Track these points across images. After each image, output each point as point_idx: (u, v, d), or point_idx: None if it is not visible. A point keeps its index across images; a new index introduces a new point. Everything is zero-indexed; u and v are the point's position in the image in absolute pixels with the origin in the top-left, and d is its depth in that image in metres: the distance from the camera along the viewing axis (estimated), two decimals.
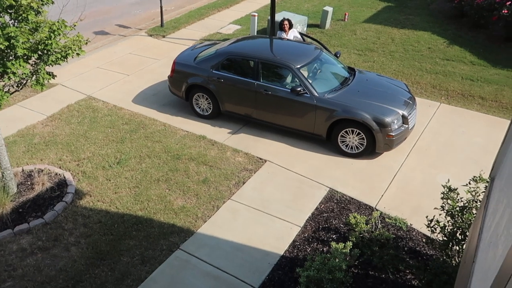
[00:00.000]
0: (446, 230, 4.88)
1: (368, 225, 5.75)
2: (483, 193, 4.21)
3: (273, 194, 6.76)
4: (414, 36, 12.52)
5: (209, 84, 8.43)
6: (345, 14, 13.86)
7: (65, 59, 6.50)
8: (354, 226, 5.68)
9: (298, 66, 7.81)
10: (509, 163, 2.96)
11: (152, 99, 9.55)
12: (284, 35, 10.00)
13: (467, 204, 4.82)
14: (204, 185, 6.96)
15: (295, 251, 5.78)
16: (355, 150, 7.55)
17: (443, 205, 4.96)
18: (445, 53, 11.43)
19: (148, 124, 8.62)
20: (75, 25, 6.56)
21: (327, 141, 7.77)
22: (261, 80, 8.02)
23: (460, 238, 4.80)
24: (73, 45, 6.50)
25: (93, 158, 7.59)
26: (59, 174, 7.14)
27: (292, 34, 10.02)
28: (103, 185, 6.98)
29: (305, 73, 7.90)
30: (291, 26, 10.10)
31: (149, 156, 7.65)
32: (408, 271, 5.37)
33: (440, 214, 5.14)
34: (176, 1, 16.35)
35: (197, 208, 6.51)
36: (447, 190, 4.99)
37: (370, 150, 7.46)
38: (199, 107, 8.83)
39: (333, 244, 5.15)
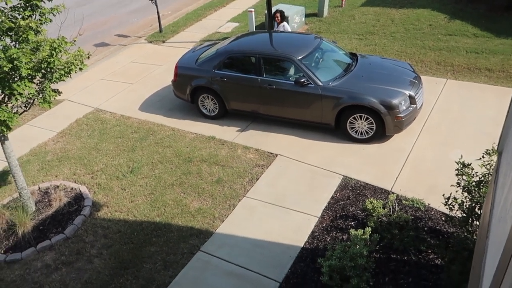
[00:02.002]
0: (464, 206, 4.82)
1: (386, 209, 5.71)
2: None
3: (287, 187, 6.76)
4: (414, 15, 12.35)
5: (213, 84, 8.43)
6: None
7: (69, 75, 6.55)
8: (371, 211, 5.65)
9: (300, 57, 7.77)
10: None
11: (158, 105, 9.58)
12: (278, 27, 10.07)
13: (482, 178, 4.75)
14: (218, 185, 6.97)
15: (315, 241, 5.77)
16: (365, 136, 7.50)
17: (459, 181, 4.90)
18: (447, 29, 11.26)
19: (157, 130, 8.65)
20: (75, 40, 6.60)
21: (336, 129, 7.73)
22: (264, 75, 7.99)
23: (479, 213, 4.74)
24: (75, 60, 6.54)
25: (106, 169, 7.66)
26: (75, 189, 7.23)
27: (281, 28, 10.02)
28: (119, 195, 7.04)
29: (308, 64, 7.85)
30: (283, 18, 10.08)
31: (161, 162, 7.69)
32: (430, 251, 5.33)
33: (456, 191, 5.07)
34: (173, 5, 16.36)
35: (213, 208, 6.53)
36: (461, 166, 4.92)
37: (380, 134, 7.40)
38: (206, 108, 8.84)
39: (352, 231, 5.14)
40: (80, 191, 7.16)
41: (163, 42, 13.05)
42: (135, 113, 9.37)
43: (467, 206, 4.79)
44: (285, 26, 10.13)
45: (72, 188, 7.24)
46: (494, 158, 4.89)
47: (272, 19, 10.08)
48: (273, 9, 11.67)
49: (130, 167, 7.65)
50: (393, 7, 13.11)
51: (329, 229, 5.92)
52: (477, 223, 4.79)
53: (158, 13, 13.34)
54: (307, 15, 13.07)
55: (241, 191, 6.81)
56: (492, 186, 3.43)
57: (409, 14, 12.46)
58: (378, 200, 5.77)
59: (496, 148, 4.81)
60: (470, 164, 4.95)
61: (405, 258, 5.28)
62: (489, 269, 2.51)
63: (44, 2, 6.22)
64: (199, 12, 15.08)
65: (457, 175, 4.93)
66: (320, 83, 7.56)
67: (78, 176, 7.59)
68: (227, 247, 5.85)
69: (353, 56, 8.48)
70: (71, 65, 6.47)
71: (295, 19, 12.22)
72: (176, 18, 14.86)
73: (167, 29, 13.79)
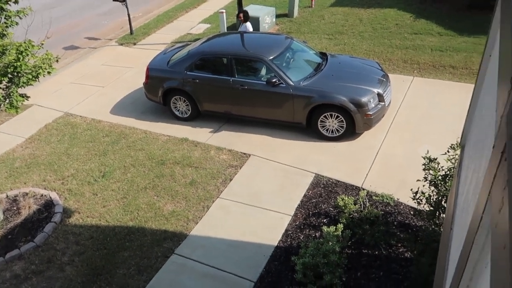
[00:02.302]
0: (431, 200, 4.92)
1: (357, 205, 5.77)
2: None
3: (261, 187, 6.74)
4: (381, 14, 12.56)
5: (185, 86, 8.33)
6: (312, 0, 13.81)
7: (37, 79, 6.35)
8: (343, 208, 5.70)
9: (271, 58, 7.76)
10: (475, 129, 2.97)
11: (130, 108, 9.40)
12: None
13: (448, 172, 4.86)
14: (191, 187, 6.89)
15: (288, 240, 5.77)
16: (336, 134, 7.56)
17: (426, 176, 5.00)
18: (413, 27, 11.50)
19: (129, 134, 8.48)
20: (42, 44, 6.39)
21: (307, 128, 7.76)
22: (236, 76, 7.95)
23: (445, 206, 4.84)
24: (43, 64, 6.34)
25: (78, 175, 7.45)
26: (45, 195, 6.99)
27: (243, 28, 10.02)
28: (91, 200, 6.86)
29: (279, 64, 7.84)
30: (246, 18, 10.08)
31: (133, 166, 7.54)
32: (400, 245, 5.41)
33: (424, 185, 5.18)
34: (143, 7, 16.09)
35: (187, 210, 6.45)
36: (428, 161, 5.02)
37: (350, 132, 7.47)
38: (178, 110, 8.73)
39: (325, 228, 5.17)
40: (51, 197, 6.93)
41: (134, 44, 12.82)
42: (106, 117, 9.16)
43: (434, 199, 4.89)
44: (247, 26, 10.16)
45: (42, 195, 7.00)
46: (459, 152, 5.01)
47: (236, 18, 10.12)
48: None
49: (102, 172, 7.47)
50: (361, 7, 13.29)
51: (302, 227, 5.94)
52: (444, 215, 4.89)
53: (128, 15, 13.09)
54: (278, 16, 13.10)
55: (214, 192, 6.74)
56: (456, 179, 3.50)
57: (376, 14, 12.66)
58: (349, 197, 5.82)
59: (459, 142, 4.93)
60: (436, 159, 5.06)
61: (376, 252, 5.34)
62: (453, 260, 2.55)
63: (10, 5, 5.99)
64: (170, 13, 14.89)
65: (424, 169, 5.02)
66: (291, 83, 7.58)
67: (48, 183, 7.35)
68: (201, 249, 5.78)
69: (323, 55, 8.54)
70: (39, 69, 6.28)
71: (266, 20, 12.22)
72: (147, 20, 14.63)
73: (138, 31, 13.56)
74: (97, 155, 7.93)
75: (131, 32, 13.32)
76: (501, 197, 1.21)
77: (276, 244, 5.71)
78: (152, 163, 7.54)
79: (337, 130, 7.52)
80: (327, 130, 7.59)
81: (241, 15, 10.22)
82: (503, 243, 1.04)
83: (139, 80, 10.40)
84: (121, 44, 12.90)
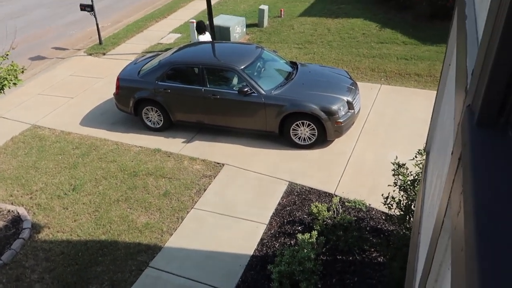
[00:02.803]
0: (401, 205, 5.07)
1: (330, 212, 5.87)
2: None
3: (235, 196, 6.76)
4: (348, 24, 12.90)
5: (157, 96, 8.28)
6: (281, 10, 14.04)
7: (2, 91, 6.17)
8: (317, 215, 5.79)
9: (242, 67, 7.83)
10: (437, 136, 3.11)
11: (101, 119, 9.25)
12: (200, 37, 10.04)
13: (416, 177, 5.03)
14: (165, 198, 6.83)
15: (264, 249, 5.80)
16: (307, 141, 7.69)
17: (395, 181, 5.15)
18: (379, 37, 11.87)
19: (100, 145, 8.34)
20: (7, 55, 6.23)
21: (280, 136, 7.85)
22: (208, 85, 7.97)
23: (415, 210, 5.00)
24: (8, 75, 6.18)
25: (47, 189, 7.25)
26: (12, 211, 6.76)
27: (201, 39, 9.99)
28: (61, 214, 6.68)
29: (250, 73, 7.91)
30: (200, 30, 10.00)
31: (105, 178, 7.40)
32: (373, 249, 5.54)
33: (394, 190, 5.34)
34: (112, 16, 15.89)
35: (161, 222, 6.38)
36: (397, 166, 5.19)
37: (322, 139, 7.61)
38: (150, 121, 8.65)
39: (299, 235, 5.23)
40: (18, 213, 6.71)
41: (104, 54, 12.63)
42: (76, 128, 8.98)
43: (404, 204, 5.05)
44: (204, 39, 10.07)
45: (9, 211, 6.76)
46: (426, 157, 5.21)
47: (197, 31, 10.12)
48: (215, 20, 11.71)
49: (72, 185, 7.30)
50: (329, 17, 13.61)
51: (277, 235, 5.99)
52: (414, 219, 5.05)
53: (97, 24, 12.90)
54: (248, 26, 13.23)
55: (189, 203, 6.71)
56: (422, 184, 3.63)
57: (344, 23, 13.00)
58: (322, 204, 5.93)
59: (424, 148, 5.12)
60: (404, 164, 5.23)
61: (350, 258, 5.45)
62: (421, 263, 2.66)
63: None
64: (140, 23, 14.78)
65: (393, 175, 5.18)
66: (263, 92, 7.66)
67: (15, 197, 7.11)
68: (177, 260, 5.73)
69: (294, 64, 8.68)
70: (3, 80, 6.11)
71: (236, 30, 12.32)
72: (116, 29, 14.45)
73: (108, 41, 13.37)
74: (67, 168, 7.74)
75: (100, 42, 13.12)
76: (459, 202, 1.29)
77: (252, 253, 5.73)
78: (124, 175, 7.43)
79: (309, 138, 7.65)
80: (299, 138, 7.71)
81: (195, 25, 10.00)
82: (461, 246, 1.11)
83: (109, 91, 10.24)
84: (90, 54, 12.69)
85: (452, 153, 1.71)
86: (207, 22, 11.16)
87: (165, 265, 5.68)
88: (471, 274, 0.92)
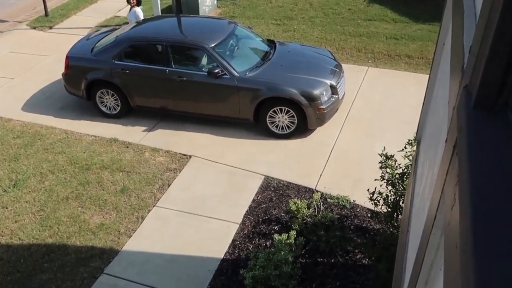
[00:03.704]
0: (389, 201, 5.16)
1: (310, 209, 5.93)
2: None
3: (204, 192, 6.75)
4: None
5: (113, 77, 8.16)
6: None
7: None
8: (295, 213, 5.83)
9: (213, 45, 7.78)
10: (429, 123, 3.16)
11: (47, 104, 9.08)
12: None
13: (406, 170, 5.12)
14: (123, 195, 6.78)
15: (236, 251, 5.82)
16: (286, 130, 7.72)
17: (383, 174, 5.23)
18: (366, 13, 12.01)
19: (46, 134, 8.20)
20: None
21: (255, 124, 7.87)
22: (173, 66, 7.91)
23: (403, 206, 5.10)
24: None
25: None
26: None
27: (132, 14, 9.83)
28: None
29: (222, 52, 7.86)
30: (139, 2, 9.89)
31: (52, 172, 7.28)
32: (357, 251, 5.63)
33: (381, 185, 5.42)
34: None
35: (118, 223, 6.34)
36: (384, 158, 5.27)
37: (302, 128, 7.66)
38: (105, 106, 8.53)
39: (276, 236, 5.26)
40: None
41: (50, 28, 12.44)
42: (17, 114, 8.81)
43: (392, 200, 5.14)
44: (137, 12, 9.88)
45: None
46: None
47: (127, 1, 9.95)
48: None
49: (12, 180, 7.17)
50: None
51: (251, 236, 6.01)
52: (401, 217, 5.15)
53: None
54: None
55: (150, 200, 6.67)
56: (412, 177, 3.70)
57: None
58: (302, 200, 5.97)
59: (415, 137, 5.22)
60: (393, 156, 5.31)
61: (332, 260, 5.53)
62: (409, 264, 2.71)
63: None
64: None
65: (380, 168, 5.26)
66: (236, 74, 7.64)
67: None
68: (136, 266, 5.70)
69: (271, 43, 8.69)
70: None
71: (206, 2, 12.28)
72: None
73: (55, 12, 13.13)
74: (6, 161, 7.60)
75: (46, 14, 12.89)
76: (454, 194, 1.30)
77: (222, 257, 5.75)
78: (75, 169, 7.33)
79: (288, 127, 7.68)
80: (276, 126, 7.73)
81: None
82: (455, 242, 1.12)
83: (57, 70, 10.00)
84: (34, 28, 12.48)
85: (446, 141, 1.73)
86: None
87: (122, 271, 5.64)
88: (466, 272, 0.92)
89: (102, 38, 8.93)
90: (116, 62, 8.12)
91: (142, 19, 9.59)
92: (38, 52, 11.15)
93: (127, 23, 9.96)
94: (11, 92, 9.53)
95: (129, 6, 10.05)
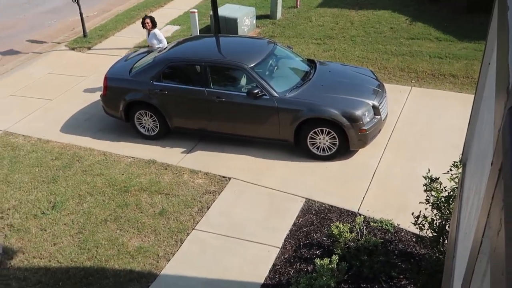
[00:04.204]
0: (434, 225, 5.22)
1: (353, 233, 6.02)
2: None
3: (243, 216, 6.91)
4: (374, 17, 13.16)
5: (151, 98, 8.48)
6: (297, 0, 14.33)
7: None
8: (338, 236, 5.94)
9: (252, 65, 7.99)
10: (475, 145, 3.18)
11: (85, 125, 9.45)
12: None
13: (451, 193, 5.19)
14: (161, 218, 6.97)
15: (277, 276, 5.95)
16: (327, 152, 7.86)
17: (428, 197, 5.31)
18: (409, 32, 12.11)
19: (84, 156, 8.51)
20: None
21: (295, 146, 8.02)
22: (212, 86, 8.15)
23: (449, 230, 5.15)
24: None
25: (21, 207, 7.37)
26: None
27: (152, 37, 10.05)
28: (38, 237, 6.79)
29: (261, 72, 8.06)
30: (154, 25, 10.08)
31: (90, 194, 7.56)
32: (402, 276, 5.68)
33: (426, 209, 5.48)
34: (99, 5, 16.23)
35: (157, 246, 6.51)
36: (429, 181, 5.34)
37: (343, 150, 7.78)
38: (143, 127, 8.85)
39: (318, 261, 5.36)
40: None
41: (89, 48, 12.92)
42: (56, 136, 9.17)
43: (437, 224, 5.20)
44: (157, 33, 10.09)
45: None
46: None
47: (143, 26, 10.13)
48: (221, 11, 11.92)
49: (51, 202, 7.44)
50: (352, 8, 13.89)
51: (292, 260, 6.14)
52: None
53: (81, 14, 13.16)
54: (258, 17, 13.50)
55: (189, 223, 6.85)
56: (458, 201, 3.74)
57: (369, 16, 13.27)
58: (344, 224, 6.08)
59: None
60: (438, 179, 5.38)
61: (376, 286, 5.60)
62: None
63: None
64: (131, 13, 15.09)
65: (425, 191, 5.34)
66: (276, 94, 7.85)
67: None
68: None
69: (311, 63, 8.87)
70: None
71: (245, 22, 12.56)
72: (103, 20, 14.78)
73: (93, 33, 13.66)
74: (45, 183, 7.89)
75: (85, 35, 13.40)
76: (499, 219, 1.32)
77: (262, 282, 5.85)
78: (113, 191, 7.59)
79: (329, 148, 7.83)
80: (317, 148, 7.88)
81: (148, 20, 9.98)
82: (501, 269, 1.14)
83: (95, 92, 10.47)
84: (73, 49, 12.96)
85: (491, 164, 1.77)
86: (211, 13, 11.40)
87: None
88: None
89: (141, 58, 9.25)
90: (154, 83, 8.43)
91: (182, 39, 9.91)
92: (76, 73, 11.59)
93: (148, 46, 10.24)
94: (49, 114, 9.93)
95: (145, 30, 10.27)
